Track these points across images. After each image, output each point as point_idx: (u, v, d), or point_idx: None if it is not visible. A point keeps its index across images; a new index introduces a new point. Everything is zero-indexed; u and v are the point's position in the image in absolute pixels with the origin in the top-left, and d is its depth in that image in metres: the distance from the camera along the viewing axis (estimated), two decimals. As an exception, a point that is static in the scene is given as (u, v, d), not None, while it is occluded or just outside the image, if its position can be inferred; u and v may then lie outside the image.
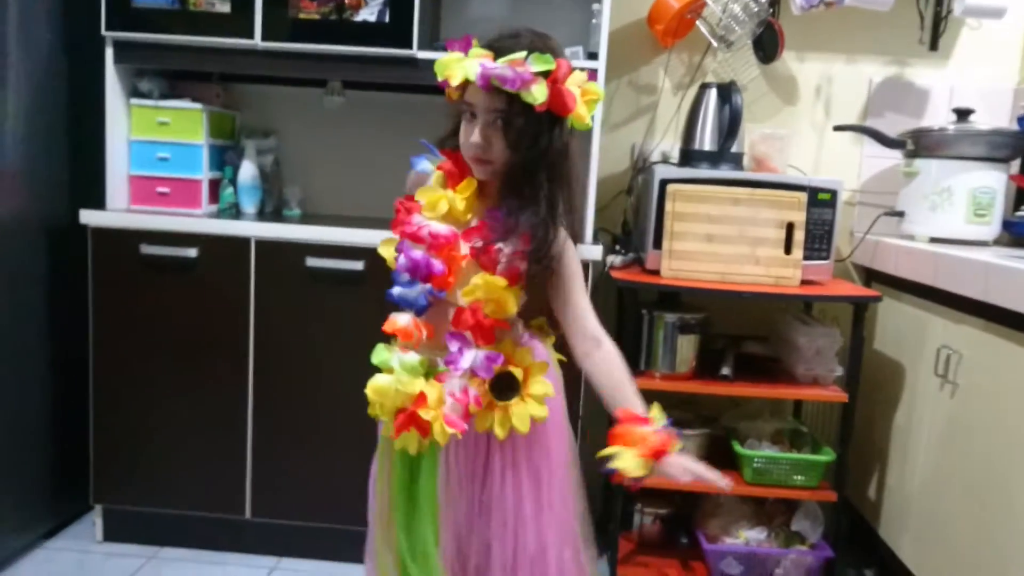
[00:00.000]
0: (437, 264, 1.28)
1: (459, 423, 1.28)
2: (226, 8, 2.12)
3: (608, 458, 1.23)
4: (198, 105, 2.27)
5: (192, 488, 2.21)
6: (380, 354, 1.36)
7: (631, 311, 2.15)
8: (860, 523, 2.34)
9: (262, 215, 2.41)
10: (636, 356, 2.13)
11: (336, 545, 2.22)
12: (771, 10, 2.35)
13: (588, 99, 1.26)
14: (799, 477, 2.08)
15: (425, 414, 1.28)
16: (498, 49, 1.23)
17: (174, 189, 2.27)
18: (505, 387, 1.30)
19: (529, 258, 1.27)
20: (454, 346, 1.29)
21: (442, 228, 1.29)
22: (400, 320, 1.33)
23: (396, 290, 1.34)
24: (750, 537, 2.14)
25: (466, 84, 1.24)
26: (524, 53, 1.21)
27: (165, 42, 2.16)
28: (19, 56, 2.03)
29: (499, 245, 1.26)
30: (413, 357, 1.31)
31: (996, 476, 1.71)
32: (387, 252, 1.36)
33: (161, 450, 2.21)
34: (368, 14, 2.11)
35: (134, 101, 2.27)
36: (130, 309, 2.17)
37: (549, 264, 1.29)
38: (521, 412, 1.30)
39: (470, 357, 1.29)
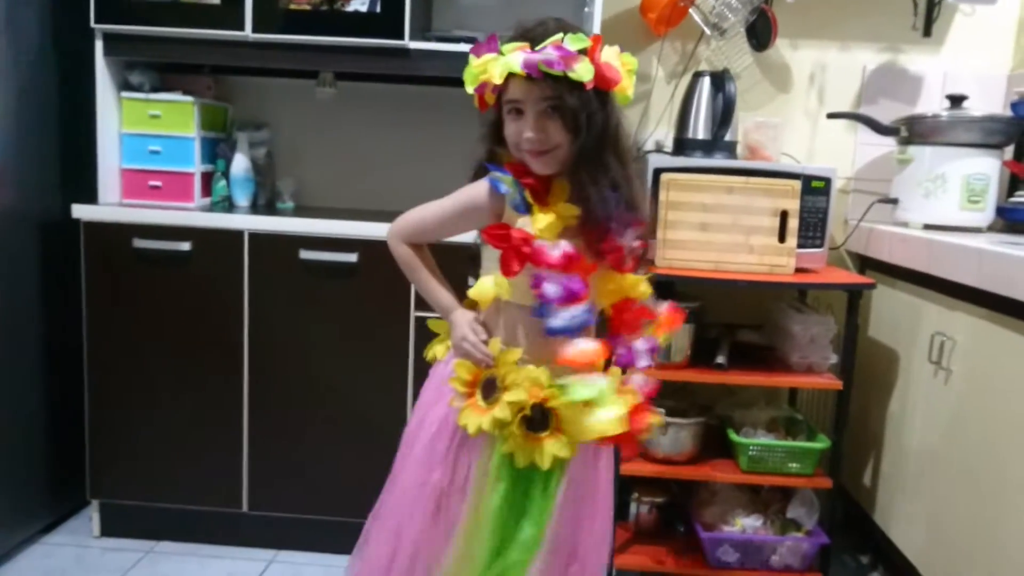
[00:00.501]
0: (583, 284, 1.25)
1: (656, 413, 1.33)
2: (216, 0, 2.11)
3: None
4: (189, 98, 2.26)
5: (189, 482, 2.21)
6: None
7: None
8: (855, 510, 2.35)
9: (255, 208, 2.40)
10: (631, 346, 2.13)
11: (333, 537, 2.23)
12: (764, -3, 2.35)
13: (627, 70, 1.27)
14: (794, 465, 2.08)
15: (655, 419, 1.31)
16: (531, 39, 1.22)
17: (166, 182, 2.26)
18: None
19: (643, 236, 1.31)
20: (621, 348, 1.34)
21: (568, 246, 1.25)
22: (586, 347, 1.27)
23: (556, 322, 1.25)
24: (746, 525, 2.14)
25: (505, 83, 1.23)
26: (560, 35, 1.20)
27: (155, 34, 2.15)
28: (8, 50, 2.01)
29: (623, 243, 1.28)
30: (603, 379, 1.28)
31: (990, 462, 1.72)
32: (484, 293, 1.33)
33: (157, 444, 2.20)
34: (359, 4, 2.10)
35: (125, 94, 2.25)
36: (124, 303, 2.16)
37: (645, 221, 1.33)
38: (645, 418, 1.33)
39: (643, 353, 1.34)
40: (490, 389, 1.31)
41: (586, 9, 2.20)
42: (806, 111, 2.52)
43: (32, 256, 2.15)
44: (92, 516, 2.29)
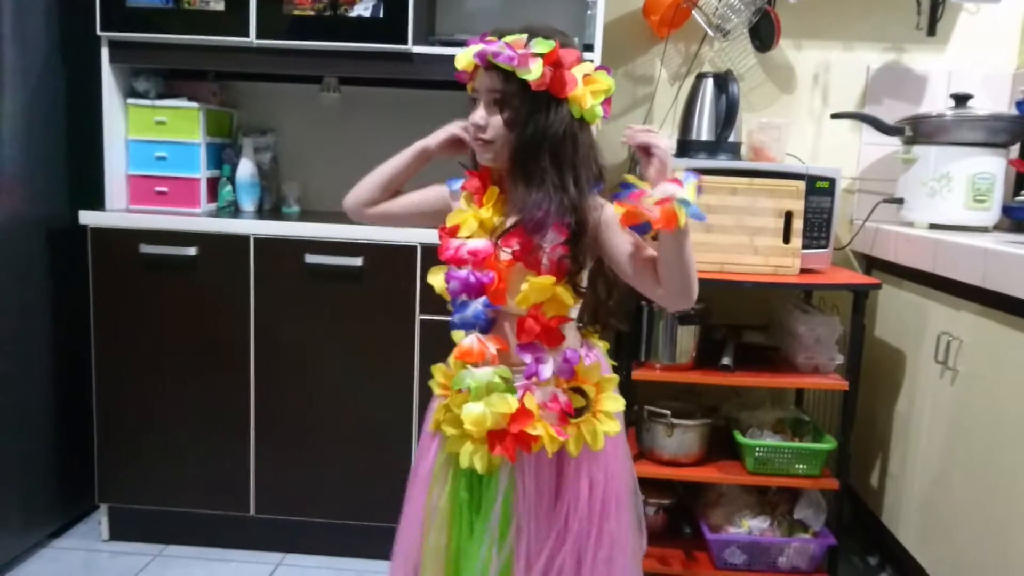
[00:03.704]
0: (484, 276, 1.27)
1: (563, 432, 1.28)
2: (220, 6, 2.12)
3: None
4: (195, 104, 2.27)
5: (196, 486, 2.22)
6: (440, 375, 1.37)
7: (631, 303, 2.15)
8: (863, 511, 2.34)
9: (261, 213, 2.41)
10: (637, 348, 2.13)
11: (340, 540, 2.23)
12: (767, -2, 2.35)
13: (594, 88, 1.25)
14: (801, 466, 2.08)
15: (533, 429, 1.26)
16: (504, 35, 1.25)
17: (172, 188, 2.28)
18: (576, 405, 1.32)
19: (570, 242, 1.25)
20: (528, 357, 1.29)
21: (479, 243, 1.29)
22: (465, 341, 1.30)
23: (456, 316, 1.32)
24: (753, 526, 2.14)
25: (474, 74, 1.28)
26: (525, 35, 1.23)
27: (160, 41, 2.16)
28: (15, 58, 2.03)
29: (538, 242, 1.25)
30: (488, 371, 1.28)
31: (998, 461, 1.71)
32: (436, 281, 1.34)
33: (165, 448, 2.21)
34: (362, 9, 2.11)
35: (131, 101, 2.27)
36: (131, 309, 2.17)
37: (585, 234, 1.25)
38: (593, 429, 1.30)
39: (550, 364, 1.29)
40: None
41: (589, 12, 2.20)
42: (810, 111, 2.51)
43: (40, 262, 2.17)
44: (101, 520, 2.30)
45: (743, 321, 2.38)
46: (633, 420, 2.18)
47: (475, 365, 1.29)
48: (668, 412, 2.10)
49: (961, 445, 1.85)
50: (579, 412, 1.31)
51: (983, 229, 2.21)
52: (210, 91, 2.43)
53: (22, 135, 2.07)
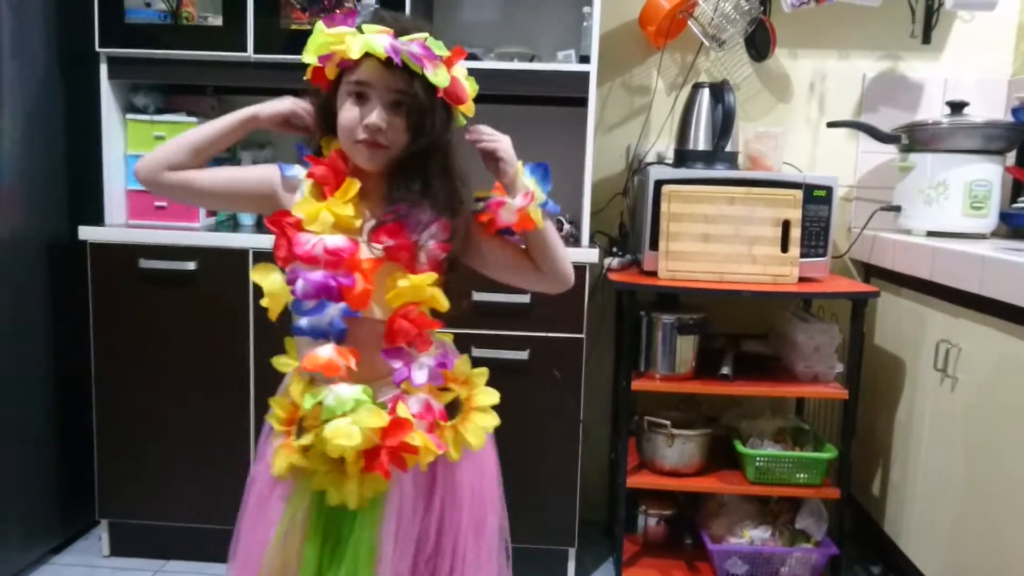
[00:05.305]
0: (348, 280, 1.14)
1: (441, 443, 1.19)
2: (218, 21, 2.13)
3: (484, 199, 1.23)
4: (194, 118, 2.28)
5: (197, 500, 2.22)
6: (280, 408, 1.22)
7: (629, 313, 2.15)
8: (865, 519, 2.34)
9: (259, 226, 2.41)
10: (636, 358, 2.13)
11: (341, 554, 2.23)
12: (762, 8, 2.36)
13: (472, 94, 1.21)
14: (802, 475, 2.07)
15: (413, 440, 1.14)
16: (393, 28, 1.15)
17: (171, 203, 2.28)
18: (451, 405, 1.23)
19: (451, 243, 1.19)
20: (397, 363, 1.18)
21: (338, 240, 1.15)
22: (323, 353, 1.15)
23: (303, 321, 1.17)
24: (755, 536, 2.13)
25: (356, 64, 1.14)
26: (426, 35, 1.15)
27: (159, 56, 2.17)
28: (14, 74, 2.04)
29: (416, 239, 1.16)
30: (354, 388, 1.14)
31: (999, 469, 1.71)
32: (267, 281, 1.18)
33: (165, 463, 2.21)
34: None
35: (130, 116, 2.27)
36: (131, 323, 2.17)
37: (462, 235, 1.22)
38: (474, 427, 1.23)
39: (423, 369, 1.19)
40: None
41: (585, 23, 2.21)
42: (807, 120, 2.52)
43: (40, 278, 2.17)
44: (101, 536, 2.30)
45: (742, 330, 2.38)
46: (633, 431, 2.18)
47: (332, 380, 1.14)
48: (668, 422, 2.10)
49: (962, 452, 1.85)
50: (452, 412, 1.23)
51: (981, 236, 2.21)
52: (209, 105, 2.43)
53: (21, 151, 2.08)
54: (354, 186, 1.18)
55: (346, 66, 1.16)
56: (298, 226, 1.16)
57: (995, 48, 2.47)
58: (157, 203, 2.27)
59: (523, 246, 1.29)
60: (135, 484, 2.23)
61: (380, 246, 1.16)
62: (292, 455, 1.19)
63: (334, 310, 1.15)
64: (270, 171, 1.27)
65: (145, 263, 2.14)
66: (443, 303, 1.20)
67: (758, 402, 2.37)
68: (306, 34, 2.09)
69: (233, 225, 2.39)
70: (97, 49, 2.16)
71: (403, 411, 1.16)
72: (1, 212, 2.03)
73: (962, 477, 1.84)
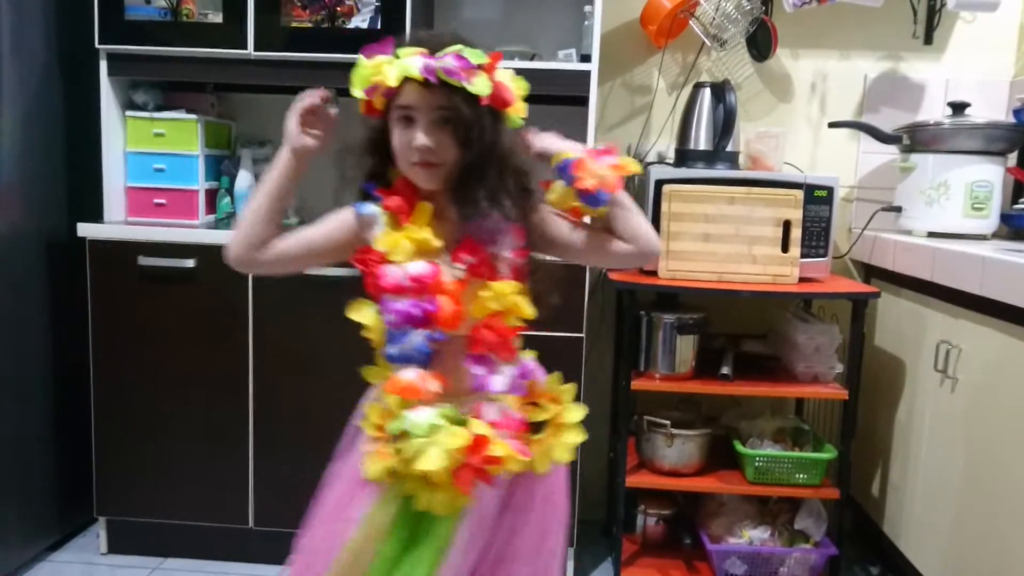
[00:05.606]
0: (431, 305, 1.16)
1: (526, 450, 1.19)
2: (218, 19, 2.13)
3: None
4: (193, 116, 2.27)
5: (195, 498, 2.22)
6: (376, 415, 1.23)
7: (630, 312, 2.15)
8: (864, 520, 2.33)
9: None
10: (636, 357, 2.13)
11: (340, 552, 2.22)
12: (764, 8, 2.35)
13: (520, 94, 1.21)
14: (801, 475, 2.07)
15: (495, 451, 1.15)
16: (428, 47, 1.16)
17: (171, 200, 2.28)
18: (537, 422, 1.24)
19: (527, 247, 1.22)
20: (479, 370, 1.19)
21: (420, 267, 1.18)
22: (404, 376, 1.18)
23: (393, 349, 1.20)
24: (754, 536, 2.13)
25: (398, 89, 1.16)
26: (460, 47, 1.15)
27: (159, 54, 2.17)
28: (13, 71, 2.03)
29: (494, 251, 1.19)
30: (430, 413, 1.15)
31: (998, 470, 1.70)
32: (364, 316, 1.23)
33: (163, 460, 2.21)
34: (360, 21, 2.11)
35: (129, 113, 2.27)
36: (129, 321, 2.17)
37: (542, 235, 1.24)
38: (562, 443, 1.24)
39: (503, 377, 1.20)
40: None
41: (586, 23, 2.21)
42: (808, 120, 2.52)
43: (38, 274, 2.17)
44: (99, 533, 2.29)
45: (742, 330, 2.38)
46: (632, 430, 2.18)
47: (413, 404, 1.16)
48: (668, 422, 2.10)
49: (961, 453, 1.85)
50: (537, 427, 1.24)
51: (981, 237, 2.20)
52: (208, 103, 2.43)
53: (21, 147, 2.07)
54: (426, 209, 1.21)
55: (391, 94, 1.18)
56: (381, 259, 1.19)
57: (997, 49, 2.46)
58: (156, 200, 2.27)
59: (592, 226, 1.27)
60: (133, 481, 2.22)
61: (463, 265, 1.19)
62: (389, 460, 1.19)
63: (418, 336, 1.18)
64: (346, 215, 1.28)
65: (144, 260, 2.13)
66: (527, 310, 1.21)
67: (758, 402, 2.37)
68: (306, 31, 2.13)
69: (233, 223, 2.38)
70: (97, 46, 2.16)
71: (478, 426, 1.17)
72: (0, 209, 2.03)
73: (962, 478, 1.84)
